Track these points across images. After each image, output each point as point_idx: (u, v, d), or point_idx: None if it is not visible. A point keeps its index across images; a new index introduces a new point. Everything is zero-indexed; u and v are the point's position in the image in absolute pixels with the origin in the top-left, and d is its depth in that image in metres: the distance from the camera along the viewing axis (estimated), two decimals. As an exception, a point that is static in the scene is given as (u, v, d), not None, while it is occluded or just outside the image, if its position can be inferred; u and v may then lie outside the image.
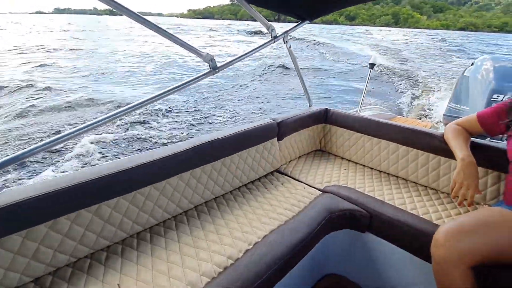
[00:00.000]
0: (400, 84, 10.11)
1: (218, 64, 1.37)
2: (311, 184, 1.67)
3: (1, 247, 0.90)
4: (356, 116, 1.99)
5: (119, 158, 3.96)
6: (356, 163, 1.95)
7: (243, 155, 1.58)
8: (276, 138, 1.78)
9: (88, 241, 1.07)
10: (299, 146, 2.01)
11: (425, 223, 1.29)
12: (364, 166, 1.91)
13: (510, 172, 1.17)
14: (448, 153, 1.46)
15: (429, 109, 6.90)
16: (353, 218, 1.42)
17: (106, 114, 1.12)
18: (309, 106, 2.22)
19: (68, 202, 1.00)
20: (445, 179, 1.57)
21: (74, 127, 1.04)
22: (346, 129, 1.98)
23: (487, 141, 1.51)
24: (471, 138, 1.40)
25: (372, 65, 2.83)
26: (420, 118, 5.94)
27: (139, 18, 1.06)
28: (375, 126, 1.83)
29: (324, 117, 2.10)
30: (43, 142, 0.98)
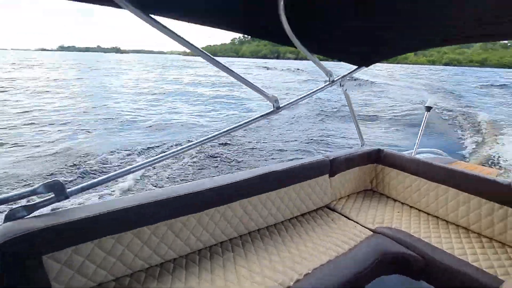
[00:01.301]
0: (461, 126, 9.94)
1: (281, 104, 1.47)
2: (362, 223, 1.66)
3: (98, 246, 1.03)
4: (412, 158, 1.96)
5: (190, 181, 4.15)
6: (411, 206, 1.91)
7: (295, 188, 1.65)
8: (328, 175, 1.83)
9: (160, 251, 1.19)
10: (350, 184, 2.04)
11: (489, 277, 1.21)
12: (419, 210, 1.86)
13: None
14: None
15: (495, 155, 6.61)
16: (406, 263, 1.37)
17: (179, 146, 1.30)
18: (361, 145, 2.27)
19: (151, 215, 1.14)
20: None
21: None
22: (400, 171, 1.96)
23: None
24: None
25: (428, 108, 2.73)
26: (485, 165, 5.76)
27: (209, 58, 1.17)
28: (434, 170, 1.79)
29: (377, 157, 2.12)
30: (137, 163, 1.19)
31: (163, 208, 1.17)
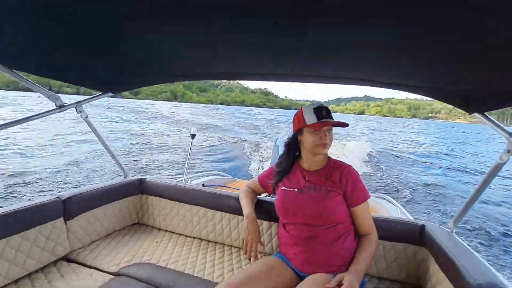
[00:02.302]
0: (248, 150, 11.75)
1: None
2: (105, 268, 1.48)
3: None
4: (169, 184, 2.00)
5: None
6: (173, 232, 1.94)
7: (13, 241, 1.30)
8: (62, 219, 1.54)
9: None
10: (109, 222, 1.84)
11: (206, 283, 1.32)
12: (180, 234, 1.91)
13: (279, 225, 1.36)
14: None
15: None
16: None
17: None
18: (125, 176, 2.11)
19: None
20: None
21: None
22: (163, 198, 1.97)
23: (270, 197, 1.67)
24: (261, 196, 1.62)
25: (193, 136, 2.91)
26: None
27: None
28: (186, 193, 1.90)
29: (140, 188, 2.04)
30: None
31: None
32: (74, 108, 1.60)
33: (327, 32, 0.71)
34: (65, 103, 1.49)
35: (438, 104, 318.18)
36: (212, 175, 3.79)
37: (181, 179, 2.91)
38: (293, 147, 1.36)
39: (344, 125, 1.22)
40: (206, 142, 13.84)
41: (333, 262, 1.17)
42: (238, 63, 1.15)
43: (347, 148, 13.07)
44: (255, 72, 1.30)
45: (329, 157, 1.34)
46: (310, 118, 1.21)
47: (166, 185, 1.98)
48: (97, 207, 1.75)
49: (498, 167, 1.19)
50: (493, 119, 1.08)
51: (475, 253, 1.28)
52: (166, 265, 1.53)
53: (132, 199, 2.00)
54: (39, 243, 1.41)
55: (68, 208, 1.57)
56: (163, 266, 1.51)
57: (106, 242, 1.75)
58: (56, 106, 1.47)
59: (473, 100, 1.01)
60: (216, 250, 1.72)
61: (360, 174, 1.29)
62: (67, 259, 1.56)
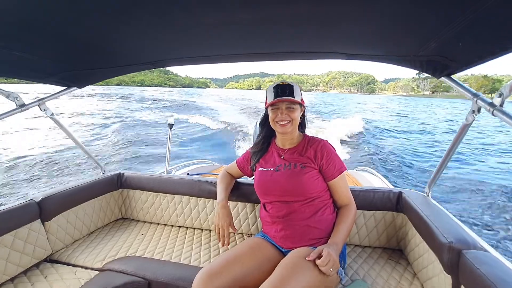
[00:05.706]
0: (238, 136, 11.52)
1: None
2: (89, 265, 1.50)
3: None
4: (149, 176, 2.01)
5: None
6: (158, 223, 1.98)
7: None
8: (39, 221, 1.54)
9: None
10: (90, 219, 1.85)
11: (195, 270, 1.24)
12: (165, 225, 1.95)
13: (261, 206, 1.41)
14: None
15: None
16: None
17: None
18: (103, 173, 2.10)
19: None
20: None
21: None
22: (143, 191, 1.99)
23: (252, 180, 1.60)
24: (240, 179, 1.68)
25: (171, 125, 2.92)
26: None
27: None
28: (166, 183, 1.92)
29: (120, 182, 2.04)
30: None
31: None
32: (37, 106, 1.52)
33: (288, 2, 0.67)
34: (24, 102, 1.41)
35: (317, 78, 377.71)
36: (198, 164, 3.90)
37: (163, 171, 2.97)
38: (266, 125, 1.41)
39: (295, 102, 1.23)
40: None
41: (313, 236, 1.22)
42: (210, 43, 1.05)
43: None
44: (225, 54, 1.21)
45: (305, 134, 1.38)
46: (270, 96, 1.25)
47: (146, 178, 2.00)
48: (75, 206, 1.75)
49: (465, 128, 1.19)
50: (458, 81, 1.07)
51: (449, 213, 1.36)
52: (152, 256, 1.56)
53: (113, 195, 2.02)
54: (17, 247, 1.39)
55: (44, 209, 1.55)
56: (149, 258, 1.54)
57: (90, 239, 1.76)
58: (16, 105, 1.40)
59: (440, 65, 1.02)
60: (202, 237, 1.76)
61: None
62: (50, 260, 1.57)
